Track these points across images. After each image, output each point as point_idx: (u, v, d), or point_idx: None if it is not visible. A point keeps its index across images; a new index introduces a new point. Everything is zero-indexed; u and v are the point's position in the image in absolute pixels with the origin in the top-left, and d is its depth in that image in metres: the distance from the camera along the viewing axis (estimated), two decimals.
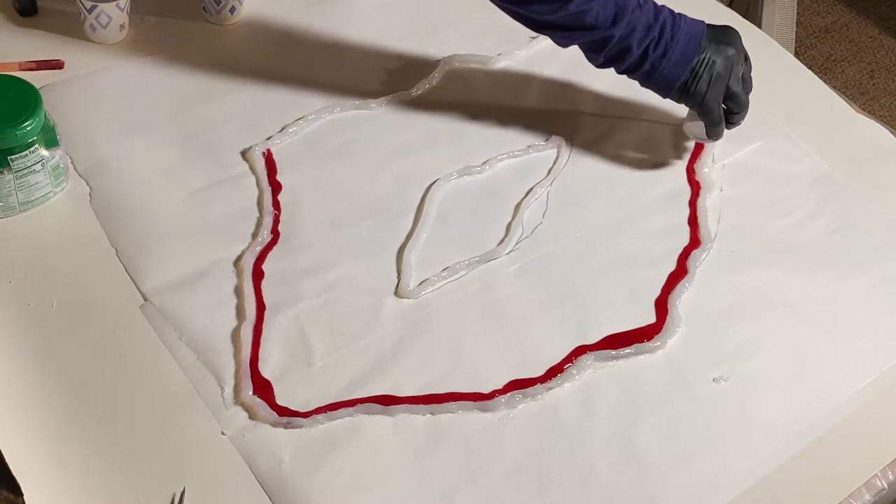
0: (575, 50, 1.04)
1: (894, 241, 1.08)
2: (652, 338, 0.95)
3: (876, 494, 0.88)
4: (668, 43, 1.01)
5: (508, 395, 0.90)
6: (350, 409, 0.87)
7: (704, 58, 1.02)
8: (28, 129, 0.93)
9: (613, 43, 1.01)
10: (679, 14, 1.03)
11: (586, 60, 1.05)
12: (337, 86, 1.15)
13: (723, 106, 1.06)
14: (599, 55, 1.03)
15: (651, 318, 0.97)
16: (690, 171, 1.12)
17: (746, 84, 1.08)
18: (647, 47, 1.01)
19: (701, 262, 1.03)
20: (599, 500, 0.84)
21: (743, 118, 1.09)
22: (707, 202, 1.09)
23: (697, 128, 1.09)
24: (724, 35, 1.05)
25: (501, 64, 1.21)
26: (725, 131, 1.08)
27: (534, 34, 1.24)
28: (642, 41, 1.01)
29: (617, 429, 0.89)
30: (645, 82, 1.06)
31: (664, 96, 1.06)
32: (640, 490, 0.85)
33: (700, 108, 1.05)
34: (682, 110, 1.10)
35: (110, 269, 0.95)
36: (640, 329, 0.96)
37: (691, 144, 1.14)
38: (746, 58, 1.07)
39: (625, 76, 1.06)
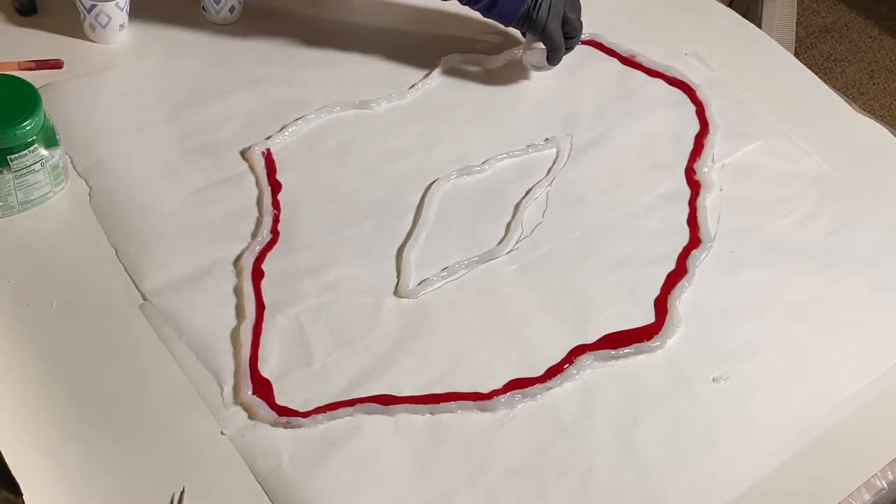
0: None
1: (894, 241, 1.08)
2: (651, 337, 0.95)
3: (876, 494, 0.88)
4: None
5: (508, 394, 0.90)
6: (350, 409, 0.87)
7: None
8: (27, 128, 0.93)
9: None
10: None
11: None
12: (337, 86, 1.15)
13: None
14: None
15: (651, 318, 0.97)
16: (690, 171, 1.12)
17: (578, 10, 1.14)
18: None
19: (700, 262, 1.03)
20: (599, 500, 0.84)
21: (577, 42, 1.17)
22: (707, 202, 1.09)
23: (537, 56, 1.16)
24: None
25: (501, 64, 1.21)
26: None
27: None
28: None
29: (617, 429, 0.89)
30: (488, 13, 1.12)
31: (507, 25, 1.13)
32: (639, 490, 0.85)
33: (543, 33, 1.11)
34: None
35: (110, 268, 0.95)
36: (639, 329, 0.96)
37: (690, 145, 1.14)
38: None
39: (468, 8, 1.13)
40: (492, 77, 1.19)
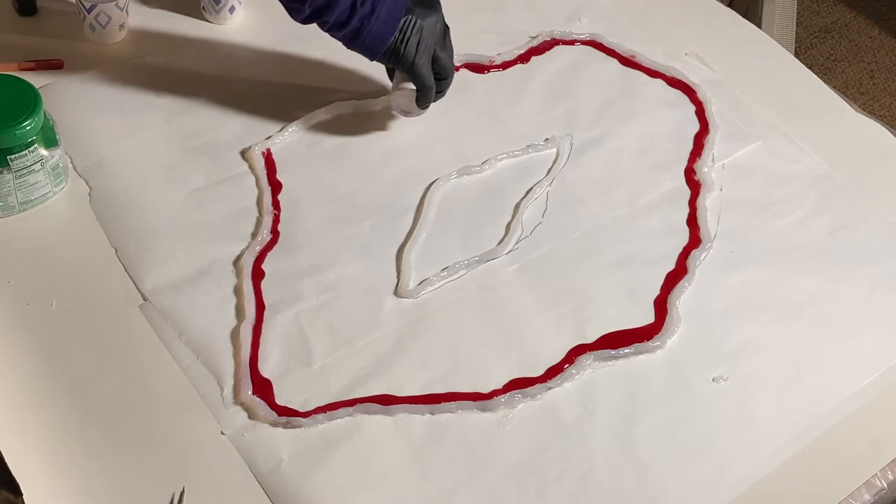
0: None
1: (894, 241, 1.08)
2: (651, 337, 0.95)
3: (876, 494, 0.88)
4: (376, 0, 0.99)
5: (508, 394, 0.90)
6: (350, 409, 0.87)
7: (411, 19, 1.00)
8: (27, 128, 0.93)
9: None
10: None
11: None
12: (337, 86, 1.15)
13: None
14: (304, 5, 0.98)
15: (650, 318, 0.97)
16: (690, 171, 1.12)
17: (449, 52, 1.07)
18: (354, 2, 0.98)
19: (700, 262, 1.03)
20: (599, 500, 0.84)
21: (449, 85, 1.08)
22: (707, 202, 1.09)
23: (406, 98, 1.07)
24: (428, 0, 1.03)
25: (501, 64, 1.21)
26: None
27: (534, 34, 1.24)
28: None
29: (617, 428, 0.89)
30: (352, 43, 1.02)
31: (372, 59, 1.03)
32: (640, 490, 0.85)
33: (411, 70, 1.03)
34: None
35: (110, 268, 0.95)
36: (639, 329, 0.96)
37: (690, 145, 1.14)
38: (446, 27, 1.07)
39: (329, 35, 1.02)
40: (492, 77, 1.19)
